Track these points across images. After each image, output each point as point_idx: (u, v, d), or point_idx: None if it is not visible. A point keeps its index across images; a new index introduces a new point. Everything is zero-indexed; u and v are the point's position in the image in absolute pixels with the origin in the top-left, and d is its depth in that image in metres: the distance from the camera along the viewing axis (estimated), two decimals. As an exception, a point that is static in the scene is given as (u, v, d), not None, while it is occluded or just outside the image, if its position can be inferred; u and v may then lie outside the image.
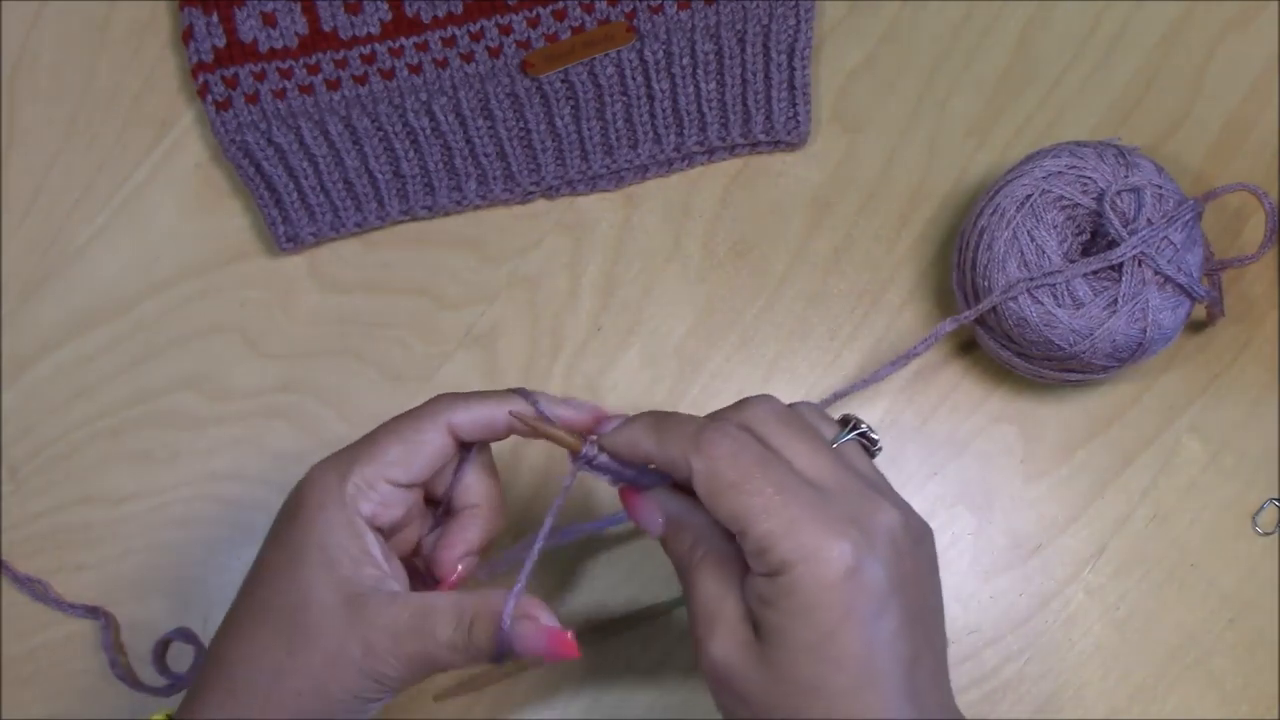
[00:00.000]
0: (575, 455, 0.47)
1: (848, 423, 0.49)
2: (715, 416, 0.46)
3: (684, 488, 0.46)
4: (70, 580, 0.62)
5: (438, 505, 0.52)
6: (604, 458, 0.47)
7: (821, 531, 0.42)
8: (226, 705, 0.47)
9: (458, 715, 0.60)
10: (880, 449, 0.51)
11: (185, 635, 0.60)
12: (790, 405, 0.48)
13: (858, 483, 0.45)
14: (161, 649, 0.60)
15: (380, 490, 0.47)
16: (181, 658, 0.61)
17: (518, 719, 0.60)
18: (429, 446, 0.48)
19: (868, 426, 0.49)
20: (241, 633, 0.48)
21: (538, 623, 0.46)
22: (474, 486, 0.51)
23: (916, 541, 0.45)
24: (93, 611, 0.61)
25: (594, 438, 0.47)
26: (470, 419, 0.49)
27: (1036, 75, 0.64)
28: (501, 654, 0.46)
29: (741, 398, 0.47)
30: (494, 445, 0.52)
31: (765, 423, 0.45)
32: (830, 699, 0.42)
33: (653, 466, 0.47)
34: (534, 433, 0.47)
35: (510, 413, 0.48)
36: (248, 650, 0.47)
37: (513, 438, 0.50)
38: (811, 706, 0.42)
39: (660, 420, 0.46)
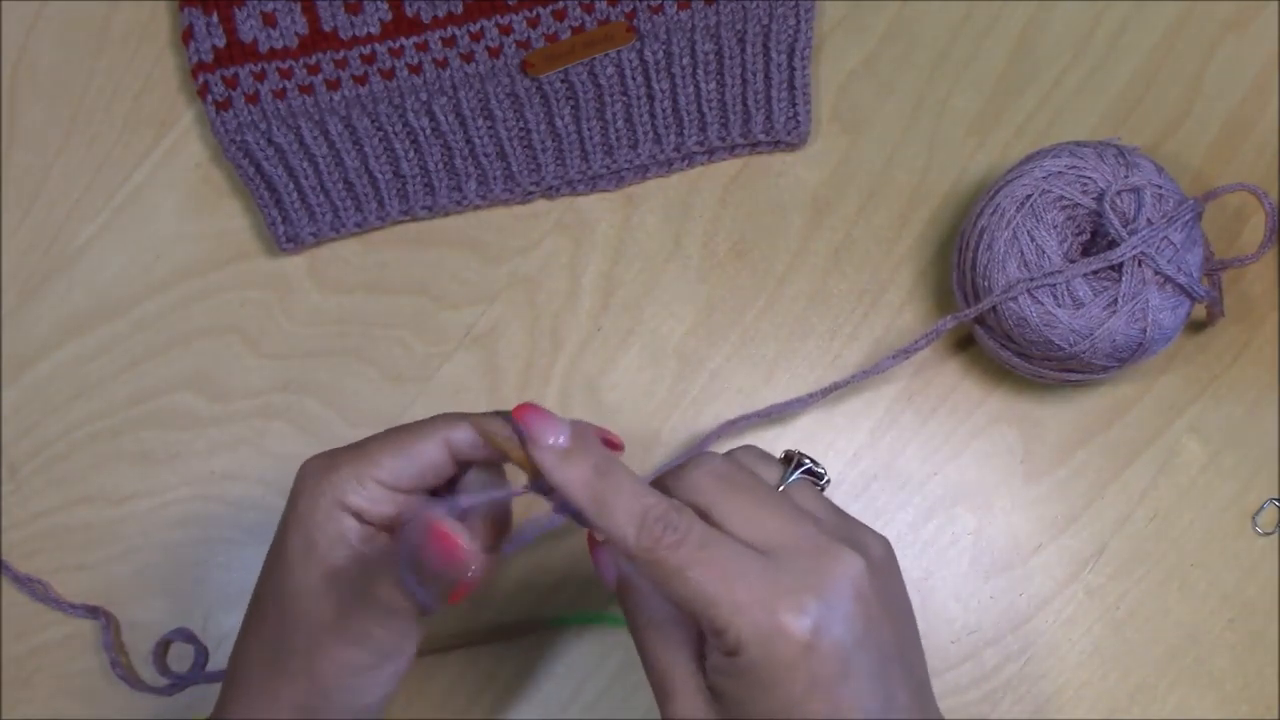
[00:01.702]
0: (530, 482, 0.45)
1: (791, 460, 0.48)
2: (655, 493, 0.44)
3: None
4: (70, 580, 0.62)
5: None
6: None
7: (775, 609, 0.41)
8: (242, 702, 0.47)
9: (458, 715, 0.60)
10: (828, 481, 0.50)
11: (185, 635, 0.60)
12: (730, 454, 0.47)
13: (810, 532, 0.43)
14: (162, 649, 0.60)
15: (368, 487, 0.47)
16: (182, 658, 0.61)
17: (518, 719, 0.60)
18: (422, 459, 0.48)
19: (811, 461, 0.48)
20: (247, 628, 0.48)
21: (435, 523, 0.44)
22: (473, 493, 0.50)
23: (880, 574, 0.44)
24: (93, 611, 0.61)
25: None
26: (469, 438, 0.48)
27: (1036, 75, 0.64)
28: (409, 563, 0.44)
29: (689, 457, 0.46)
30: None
31: (706, 491, 0.44)
32: None
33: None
34: (500, 454, 0.46)
35: (472, 423, 0.45)
36: (252, 644, 0.48)
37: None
38: None
39: (600, 481, 0.43)
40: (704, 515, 0.43)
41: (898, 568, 0.46)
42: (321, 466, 0.48)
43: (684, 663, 0.43)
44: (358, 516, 0.47)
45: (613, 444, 0.49)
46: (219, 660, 0.61)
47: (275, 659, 0.47)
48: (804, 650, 0.40)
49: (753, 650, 0.41)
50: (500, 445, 0.45)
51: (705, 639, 0.43)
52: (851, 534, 0.45)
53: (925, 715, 0.44)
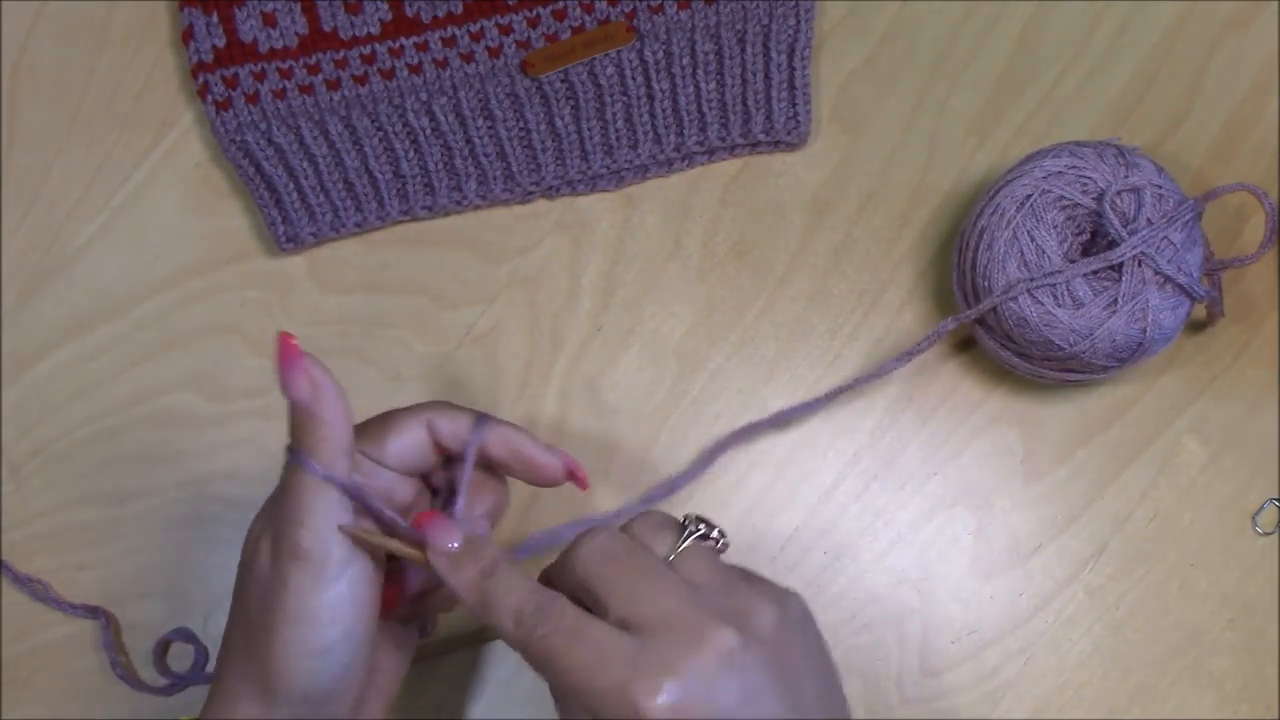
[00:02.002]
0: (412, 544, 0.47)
1: (684, 527, 0.48)
2: (535, 587, 0.45)
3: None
4: (70, 580, 0.62)
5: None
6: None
7: (632, 693, 0.41)
8: (234, 691, 0.47)
9: (457, 715, 0.60)
10: (726, 544, 0.49)
11: (185, 635, 0.60)
12: (628, 524, 0.48)
13: (684, 607, 0.44)
14: (162, 649, 0.60)
15: (358, 460, 0.48)
16: (182, 658, 0.61)
17: (518, 719, 0.60)
18: (408, 435, 0.49)
19: (706, 525, 0.48)
20: (232, 616, 0.48)
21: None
22: (472, 483, 0.50)
23: (765, 643, 0.44)
24: (93, 611, 0.61)
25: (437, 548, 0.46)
26: (449, 428, 0.49)
27: (1036, 75, 0.64)
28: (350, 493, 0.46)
29: (577, 536, 0.46)
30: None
31: (590, 568, 0.45)
32: None
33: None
34: (372, 547, 0.47)
35: (340, 528, 0.46)
36: (235, 630, 0.48)
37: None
38: None
39: (484, 596, 0.45)
40: (589, 591, 0.44)
41: (798, 629, 0.46)
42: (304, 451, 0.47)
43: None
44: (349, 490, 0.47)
45: (578, 479, 0.51)
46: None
47: (241, 644, 0.47)
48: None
49: None
50: (394, 549, 0.46)
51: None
52: (736, 603, 0.45)
53: None
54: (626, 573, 0.45)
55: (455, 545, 0.46)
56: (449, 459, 0.51)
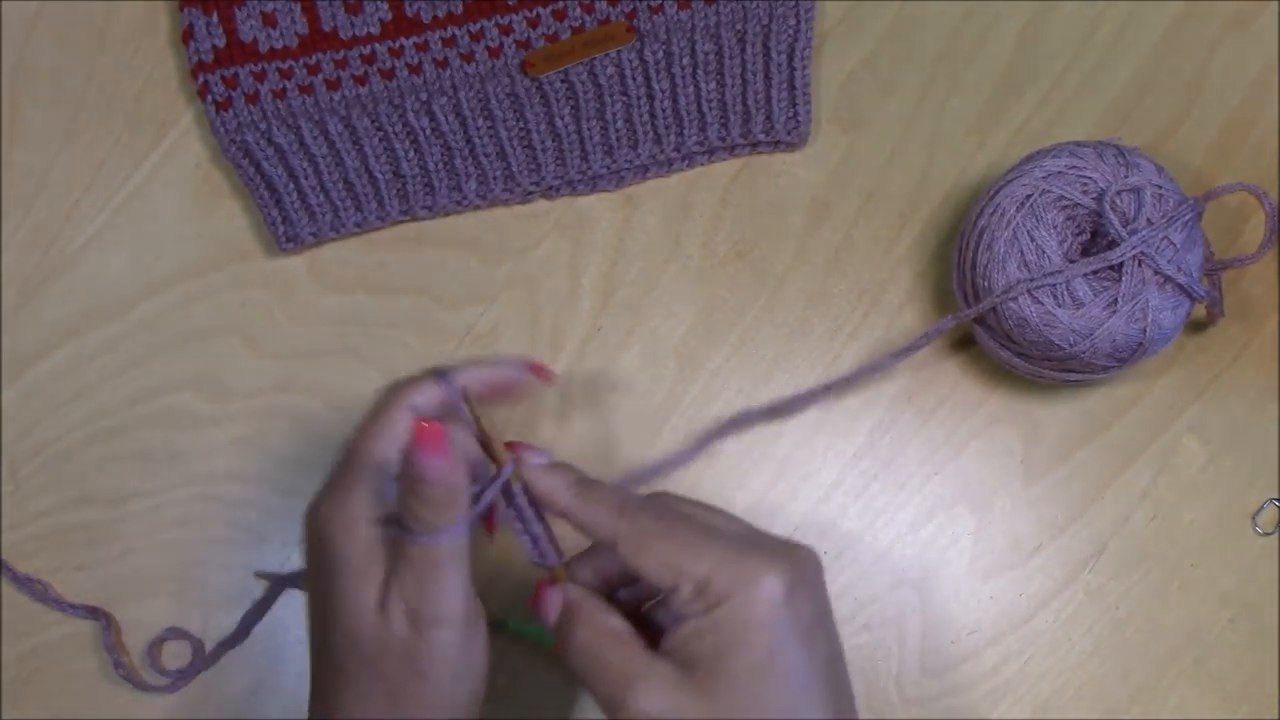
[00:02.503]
0: (497, 474, 0.48)
1: None
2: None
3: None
4: (70, 580, 0.62)
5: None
6: (521, 499, 0.48)
7: (755, 563, 0.44)
8: None
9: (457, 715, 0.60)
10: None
11: (177, 633, 0.60)
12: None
13: (765, 533, 0.48)
14: (156, 649, 0.60)
15: (386, 491, 0.48)
16: (178, 655, 0.61)
17: (517, 718, 0.60)
18: (396, 426, 0.49)
19: None
20: (341, 699, 0.47)
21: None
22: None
23: (824, 584, 0.47)
24: (93, 612, 0.61)
25: (519, 464, 0.48)
26: (424, 398, 0.49)
27: (1036, 75, 0.64)
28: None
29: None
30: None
31: (672, 500, 0.48)
32: (774, 715, 0.43)
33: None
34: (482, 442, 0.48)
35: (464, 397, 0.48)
36: (363, 696, 0.47)
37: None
38: None
39: (584, 482, 0.48)
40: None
41: (824, 583, 0.48)
42: (329, 506, 0.48)
43: (643, 653, 0.45)
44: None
45: (540, 372, 0.52)
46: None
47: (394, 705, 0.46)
48: (783, 599, 0.43)
49: (737, 597, 0.43)
50: (483, 439, 0.48)
51: (653, 638, 0.45)
52: (787, 542, 0.47)
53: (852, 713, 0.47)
54: (703, 505, 0.48)
55: (546, 459, 0.49)
56: None
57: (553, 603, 0.47)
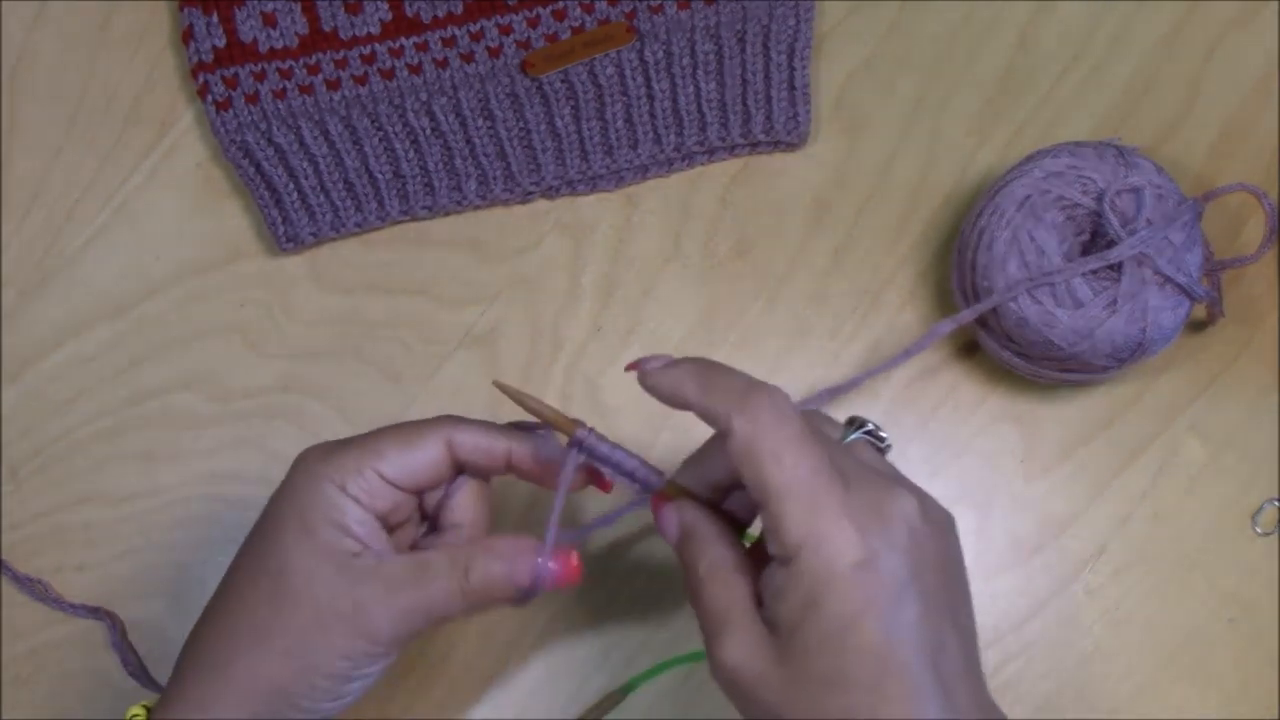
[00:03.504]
0: (570, 440, 0.48)
1: (854, 423, 0.49)
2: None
3: (681, 495, 0.47)
4: (70, 580, 0.62)
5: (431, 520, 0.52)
6: (602, 446, 0.48)
7: (837, 518, 0.41)
8: (208, 681, 0.47)
9: (457, 715, 0.60)
10: (889, 446, 0.50)
11: None
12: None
13: (873, 474, 0.44)
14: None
15: (367, 477, 0.47)
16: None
17: (518, 718, 0.60)
18: (423, 454, 0.48)
19: (874, 425, 0.49)
20: (222, 605, 0.48)
21: (564, 554, 0.48)
22: (462, 506, 0.50)
23: (937, 527, 0.44)
24: (93, 612, 0.61)
25: (589, 428, 0.48)
26: (472, 441, 0.49)
27: (1036, 75, 0.64)
28: (527, 594, 0.47)
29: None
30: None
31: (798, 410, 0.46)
32: (850, 693, 0.41)
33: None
34: (544, 420, 0.48)
35: (495, 383, 0.48)
36: (228, 620, 0.47)
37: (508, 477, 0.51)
38: (831, 701, 0.41)
39: (707, 368, 0.46)
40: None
41: (957, 536, 0.46)
42: (322, 452, 0.48)
43: (741, 602, 0.44)
44: (358, 504, 0.47)
45: (600, 484, 0.51)
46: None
47: (261, 637, 0.46)
48: (858, 567, 0.41)
49: (807, 557, 0.41)
50: (528, 405, 0.48)
51: (762, 582, 0.44)
52: (913, 488, 0.45)
53: (973, 675, 0.44)
54: (818, 428, 0.46)
55: (663, 363, 0.48)
56: (463, 475, 0.51)
57: (670, 522, 0.47)
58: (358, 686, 0.47)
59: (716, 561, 0.45)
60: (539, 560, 0.47)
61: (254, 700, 0.46)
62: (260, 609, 0.47)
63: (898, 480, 0.45)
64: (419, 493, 0.50)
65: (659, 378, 0.47)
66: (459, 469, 0.50)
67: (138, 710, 0.49)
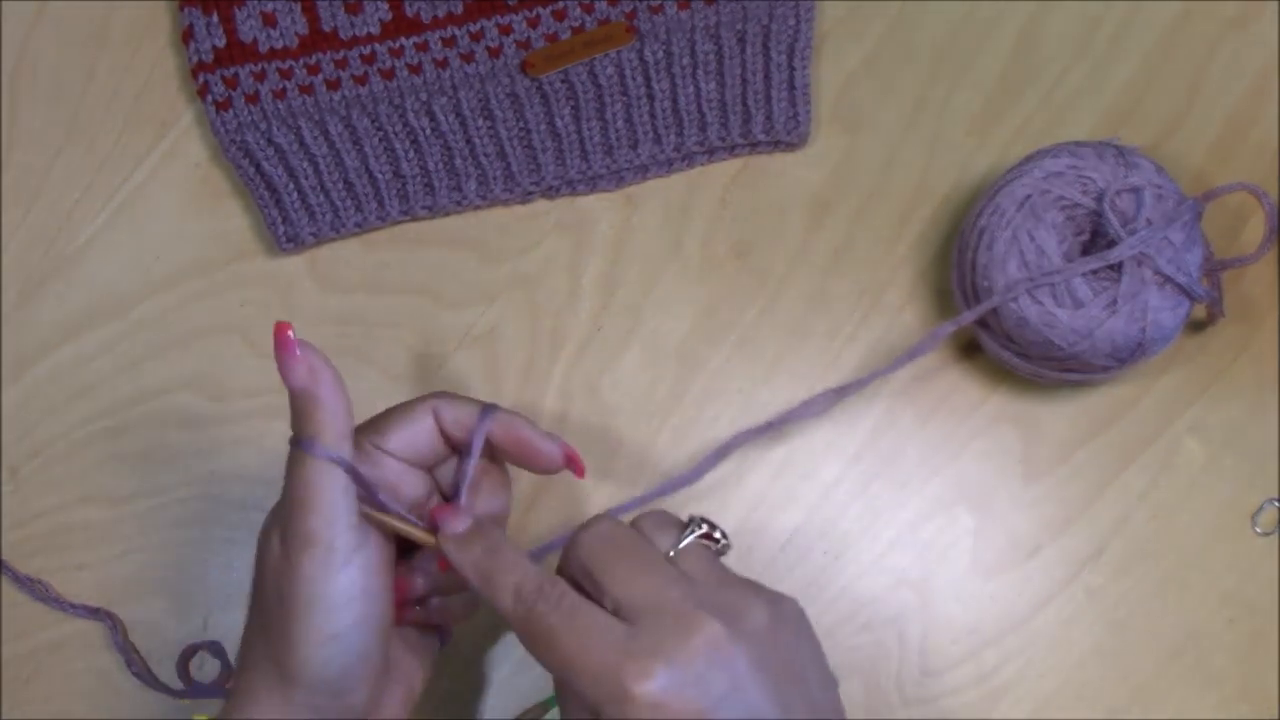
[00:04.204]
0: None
1: (691, 522, 0.49)
2: (534, 568, 0.46)
3: None
4: (70, 580, 0.62)
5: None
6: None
7: (623, 675, 0.42)
8: (254, 685, 0.47)
9: (458, 715, 0.60)
10: (726, 545, 0.49)
11: (215, 649, 0.61)
12: (635, 519, 0.49)
13: (679, 597, 0.44)
14: (187, 656, 0.60)
15: (366, 449, 0.48)
16: (198, 667, 0.61)
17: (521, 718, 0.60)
18: (415, 423, 0.49)
19: (709, 525, 0.49)
20: (250, 614, 0.49)
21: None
22: (480, 480, 0.51)
23: (756, 639, 0.44)
24: (94, 612, 0.61)
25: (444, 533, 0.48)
26: (451, 414, 0.50)
27: (1036, 75, 0.64)
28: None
29: (583, 523, 0.48)
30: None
31: (591, 553, 0.46)
32: None
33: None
34: (383, 525, 0.48)
35: (359, 507, 0.47)
36: (252, 626, 0.48)
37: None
38: None
39: (488, 560, 0.46)
40: (589, 575, 0.46)
41: (791, 630, 0.46)
42: (313, 435, 0.48)
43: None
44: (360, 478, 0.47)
45: (575, 466, 0.51)
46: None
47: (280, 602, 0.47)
48: (652, 711, 0.42)
49: (607, 713, 0.42)
50: (384, 522, 0.48)
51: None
52: (730, 599, 0.45)
53: None
54: (626, 559, 0.46)
55: (463, 529, 0.48)
56: (457, 453, 0.51)
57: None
58: (350, 647, 0.47)
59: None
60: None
61: (282, 695, 0.47)
62: (258, 615, 0.48)
63: (714, 595, 0.45)
64: (423, 467, 0.50)
65: (450, 550, 0.47)
66: (451, 446, 0.51)
67: (202, 718, 0.52)
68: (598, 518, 0.48)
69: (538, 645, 0.44)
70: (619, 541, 0.47)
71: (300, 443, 0.46)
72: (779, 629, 0.45)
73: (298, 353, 0.46)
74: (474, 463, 0.49)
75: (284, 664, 0.46)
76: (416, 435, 0.49)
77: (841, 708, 0.47)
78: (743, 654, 0.43)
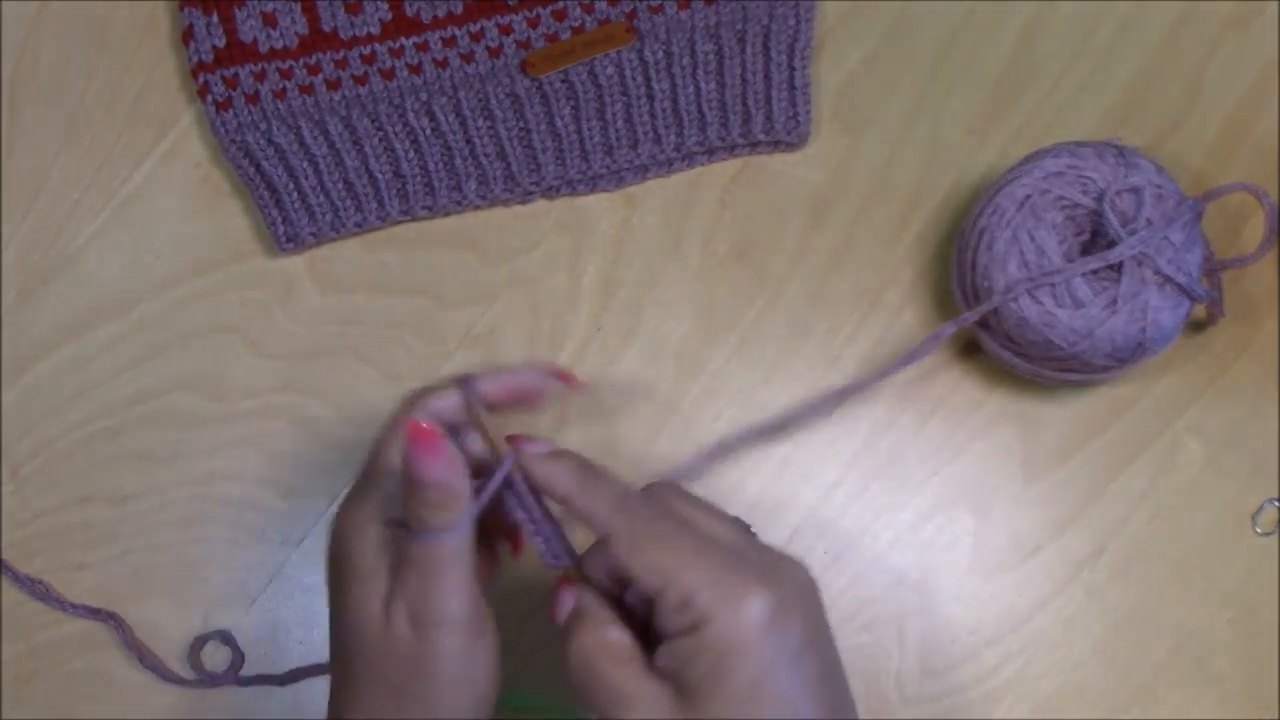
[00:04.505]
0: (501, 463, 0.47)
1: None
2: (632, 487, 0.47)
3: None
4: (70, 580, 0.62)
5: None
6: (526, 496, 0.47)
7: (740, 581, 0.43)
8: None
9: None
10: (755, 535, 0.50)
11: (225, 638, 0.60)
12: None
13: (759, 544, 0.47)
14: (198, 646, 0.60)
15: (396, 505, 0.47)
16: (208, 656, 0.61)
17: (522, 717, 0.60)
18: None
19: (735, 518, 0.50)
20: (356, 686, 0.47)
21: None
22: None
23: (816, 594, 0.46)
24: (94, 612, 0.61)
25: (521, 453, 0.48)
26: (449, 405, 0.49)
27: (1036, 75, 0.64)
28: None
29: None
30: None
31: (672, 499, 0.47)
32: None
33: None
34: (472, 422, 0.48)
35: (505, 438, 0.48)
36: (370, 699, 0.47)
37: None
38: None
39: (587, 470, 0.47)
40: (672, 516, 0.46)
41: (822, 600, 0.47)
42: (346, 506, 0.48)
43: (639, 672, 0.44)
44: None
45: (568, 380, 0.51)
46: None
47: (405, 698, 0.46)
48: (768, 622, 0.42)
49: (719, 620, 0.42)
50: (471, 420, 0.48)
51: (654, 647, 0.44)
52: (780, 558, 0.47)
53: None
54: (704, 507, 0.47)
55: (548, 448, 0.48)
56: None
57: (565, 605, 0.47)
58: (489, 704, 0.48)
59: (606, 639, 0.45)
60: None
61: None
62: (383, 690, 0.47)
63: (781, 553, 0.47)
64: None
65: (537, 467, 0.47)
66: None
67: None
68: (663, 481, 0.49)
69: (641, 551, 0.44)
70: (693, 497, 0.48)
71: (434, 532, 0.45)
72: (818, 593, 0.46)
73: (442, 448, 0.45)
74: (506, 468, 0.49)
75: None
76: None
77: (847, 682, 0.48)
78: (816, 600, 0.45)
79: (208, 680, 0.60)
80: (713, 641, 0.42)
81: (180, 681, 0.60)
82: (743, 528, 0.48)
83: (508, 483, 0.47)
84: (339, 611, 0.47)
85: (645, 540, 0.44)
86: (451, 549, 0.45)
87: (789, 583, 0.44)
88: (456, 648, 0.45)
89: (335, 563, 0.48)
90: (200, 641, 0.60)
